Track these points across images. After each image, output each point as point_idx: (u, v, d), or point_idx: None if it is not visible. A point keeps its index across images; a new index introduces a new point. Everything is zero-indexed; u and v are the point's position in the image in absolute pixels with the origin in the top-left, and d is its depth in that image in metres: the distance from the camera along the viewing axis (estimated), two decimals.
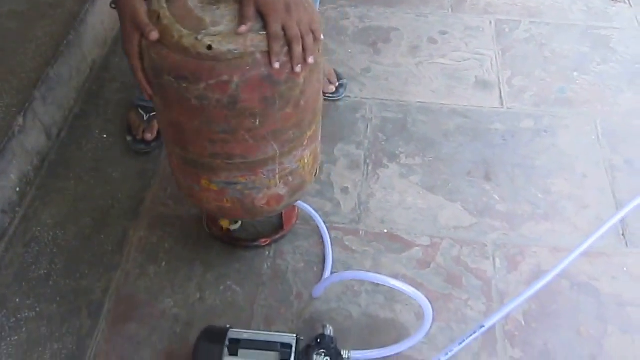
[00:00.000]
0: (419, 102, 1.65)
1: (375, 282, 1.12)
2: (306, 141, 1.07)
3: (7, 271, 1.27)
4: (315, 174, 1.20)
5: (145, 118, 1.49)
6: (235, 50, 0.88)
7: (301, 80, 0.95)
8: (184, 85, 0.91)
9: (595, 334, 1.19)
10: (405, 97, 1.66)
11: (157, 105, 1.02)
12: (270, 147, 1.01)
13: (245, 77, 0.89)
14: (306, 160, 1.11)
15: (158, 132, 1.49)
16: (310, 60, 0.93)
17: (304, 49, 0.91)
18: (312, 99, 1.02)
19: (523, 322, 1.20)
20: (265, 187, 1.08)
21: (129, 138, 1.50)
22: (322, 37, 0.96)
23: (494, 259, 1.30)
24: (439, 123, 1.59)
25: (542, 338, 1.18)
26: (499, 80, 1.71)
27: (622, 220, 1.37)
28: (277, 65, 0.90)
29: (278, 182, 1.08)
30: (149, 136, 1.48)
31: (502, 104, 1.65)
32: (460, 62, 1.77)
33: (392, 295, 1.23)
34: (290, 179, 1.10)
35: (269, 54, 0.89)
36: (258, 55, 0.89)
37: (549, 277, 0.99)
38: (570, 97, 1.67)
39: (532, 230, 1.36)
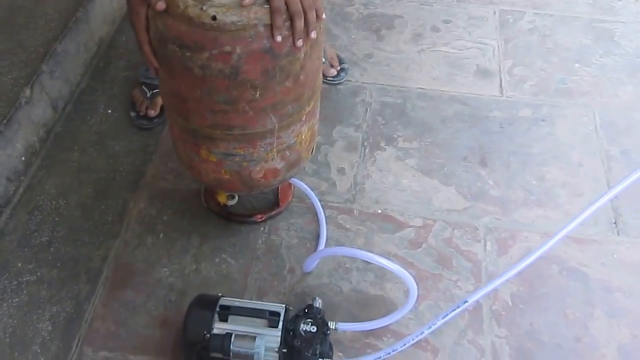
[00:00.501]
0: (419, 88, 1.67)
1: (361, 258, 1.14)
2: (304, 117, 1.09)
3: (10, 237, 1.30)
4: (312, 151, 1.22)
5: (148, 95, 1.53)
6: (238, 21, 0.90)
7: (301, 55, 0.98)
8: (188, 54, 0.93)
9: (582, 317, 1.21)
10: (405, 83, 1.68)
11: (161, 76, 1.05)
12: (269, 120, 1.04)
13: (247, 48, 0.92)
14: (303, 136, 1.13)
15: (161, 109, 1.52)
16: (313, 35, 0.95)
17: (305, 24, 0.94)
18: (311, 75, 1.04)
19: (510, 303, 1.22)
20: (263, 160, 1.11)
21: (132, 114, 1.54)
22: (323, 15, 0.98)
23: (484, 242, 1.33)
24: (437, 109, 1.61)
25: (529, 319, 1.20)
26: (500, 69, 1.73)
27: (615, 209, 1.39)
28: (279, 38, 0.92)
29: (275, 155, 1.11)
30: (151, 112, 1.51)
31: (501, 93, 1.66)
32: (462, 50, 1.78)
33: (382, 273, 1.26)
34: (287, 153, 1.13)
35: (271, 27, 0.92)
36: (260, 28, 0.92)
37: (537, 254, 1.01)
38: (570, 88, 1.68)
39: (525, 215, 1.38)
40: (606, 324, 1.20)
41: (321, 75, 1.12)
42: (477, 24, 1.87)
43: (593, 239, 1.34)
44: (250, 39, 0.91)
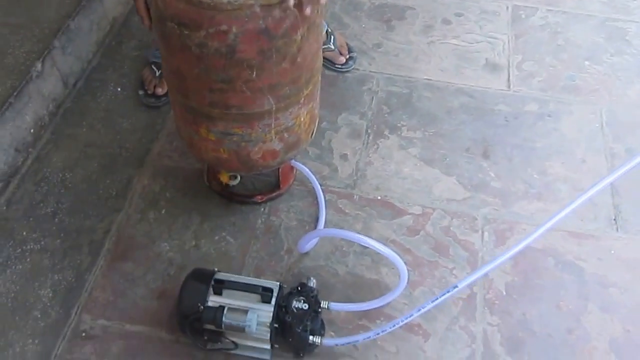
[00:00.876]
0: (426, 79, 1.67)
1: (352, 240, 1.14)
2: (303, 99, 1.11)
3: (17, 206, 1.34)
4: (312, 134, 1.24)
5: (157, 74, 1.55)
6: (235, 1, 0.92)
7: (298, 36, 0.99)
8: (186, 32, 0.95)
9: (575, 310, 1.21)
10: (413, 74, 1.68)
11: (162, 54, 1.08)
12: (266, 101, 1.05)
13: (243, 28, 0.94)
14: (302, 119, 1.15)
15: None
16: (307, 11, 0.94)
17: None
18: (309, 58, 1.05)
19: (504, 292, 1.23)
20: (261, 140, 1.12)
21: (140, 92, 1.57)
22: (323, 0, 0.99)
23: (482, 232, 1.33)
24: (443, 100, 1.62)
25: (522, 309, 1.21)
26: (509, 63, 1.73)
27: (616, 206, 1.39)
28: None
29: (273, 137, 1.13)
30: (159, 91, 1.54)
31: (509, 87, 1.66)
32: (472, 44, 1.78)
33: (379, 258, 1.27)
34: (286, 135, 1.14)
35: None
36: (257, 9, 0.93)
37: (530, 239, 1.01)
38: (578, 85, 1.67)
39: (524, 208, 1.38)
40: (599, 317, 1.20)
41: (320, 58, 1.13)
42: (489, 18, 1.86)
43: (591, 234, 1.33)
44: (246, 19, 0.93)
